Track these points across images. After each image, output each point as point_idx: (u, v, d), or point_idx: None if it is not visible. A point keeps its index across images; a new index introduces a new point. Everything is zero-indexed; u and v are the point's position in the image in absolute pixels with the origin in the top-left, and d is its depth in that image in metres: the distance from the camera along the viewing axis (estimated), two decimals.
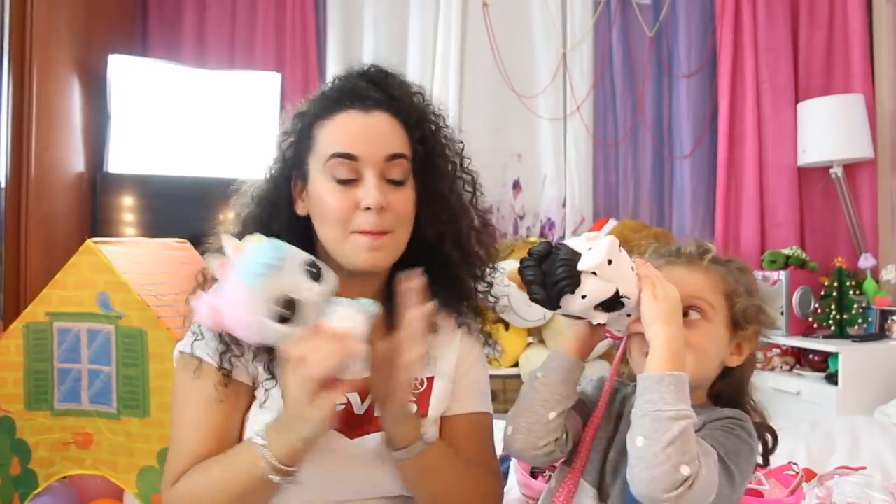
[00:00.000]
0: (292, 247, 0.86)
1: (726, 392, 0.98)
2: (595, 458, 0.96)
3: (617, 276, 0.85)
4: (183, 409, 1.00)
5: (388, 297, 1.03)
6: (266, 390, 0.97)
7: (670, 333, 0.84)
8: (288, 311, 0.82)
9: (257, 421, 0.96)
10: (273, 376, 0.97)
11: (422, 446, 0.95)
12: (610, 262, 0.84)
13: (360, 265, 0.97)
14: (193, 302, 0.86)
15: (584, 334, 0.95)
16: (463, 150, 1.09)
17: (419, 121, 1.03)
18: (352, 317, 0.85)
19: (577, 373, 0.95)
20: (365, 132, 0.98)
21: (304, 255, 0.86)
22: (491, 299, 1.12)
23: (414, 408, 1.00)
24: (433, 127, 1.05)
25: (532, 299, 0.88)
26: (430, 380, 1.05)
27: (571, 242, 0.87)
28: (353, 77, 1.04)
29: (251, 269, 0.81)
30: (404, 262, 1.00)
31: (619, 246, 0.87)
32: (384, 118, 0.99)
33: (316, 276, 0.85)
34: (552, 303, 0.86)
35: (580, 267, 0.84)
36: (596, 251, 0.85)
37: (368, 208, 0.95)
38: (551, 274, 0.85)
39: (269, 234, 0.93)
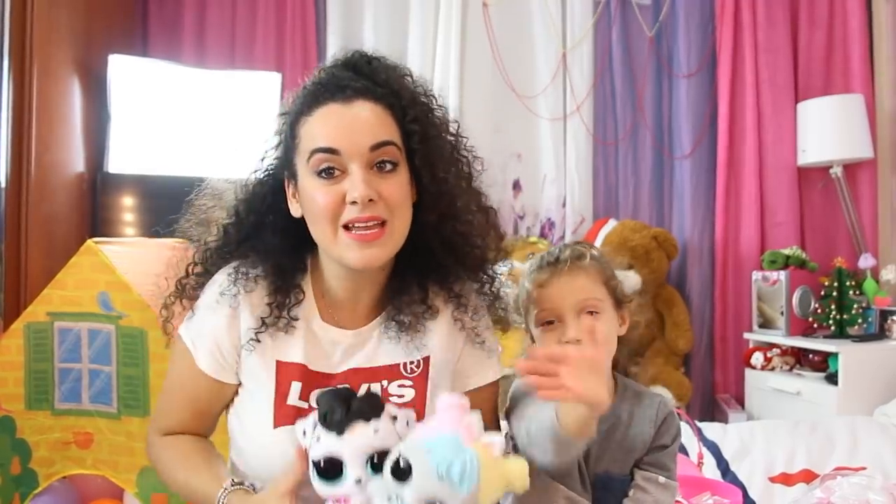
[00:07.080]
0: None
1: (621, 359, 1.11)
2: None
3: None
4: (174, 377, 1.09)
5: (393, 288, 1.05)
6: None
7: None
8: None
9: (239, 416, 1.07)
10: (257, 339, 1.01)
11: None
12: None
13: (353, 264, 0.96)
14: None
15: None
16: (459, 129, 1.07)
17: (410, 103, 1.00)
18: None
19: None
20: (345, 124, 0.95)
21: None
22: (495, 287, 1.13)
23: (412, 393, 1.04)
24: (425, 108, 1.03)
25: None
26: (426, 360, 1.06)
27: None
28: (334, 68, 1.02)
29: (466, 478, 0.76)
30: (406, 248, 1.01)
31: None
32: (367, 106, 0.96)
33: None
34: None
35: None
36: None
37: (355, 202, 0.93)
38: None
39: (261, 239, 1.01)
